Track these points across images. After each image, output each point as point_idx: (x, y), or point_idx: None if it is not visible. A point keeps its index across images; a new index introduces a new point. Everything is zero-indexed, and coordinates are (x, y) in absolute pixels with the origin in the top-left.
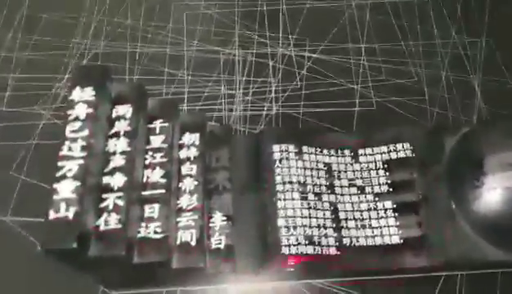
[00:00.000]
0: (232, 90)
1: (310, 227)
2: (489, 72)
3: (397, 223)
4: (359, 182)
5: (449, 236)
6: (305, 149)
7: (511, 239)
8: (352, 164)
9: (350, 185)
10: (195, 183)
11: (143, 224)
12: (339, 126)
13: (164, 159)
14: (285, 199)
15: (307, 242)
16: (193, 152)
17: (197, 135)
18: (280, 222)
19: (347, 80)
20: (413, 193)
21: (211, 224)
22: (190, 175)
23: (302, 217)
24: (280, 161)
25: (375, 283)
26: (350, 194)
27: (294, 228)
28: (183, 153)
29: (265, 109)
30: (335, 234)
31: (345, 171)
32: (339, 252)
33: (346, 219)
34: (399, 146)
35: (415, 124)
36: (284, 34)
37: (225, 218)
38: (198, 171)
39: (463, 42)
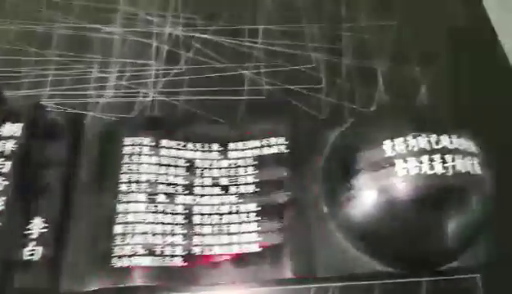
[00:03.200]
0: (106, 73)
1: (153, 234)
2: (393, 59)
3: (259, 228)
4: (224, 181)
5: (317, 244)
6: (164, 142)
7: (383, 248)
8: (218, 160)
9: (213, 185)
10: (6, 182)
11: None
12: (221, 117)
13: None
14: (127, 202)
15: (146, 253)
16: (10, 145)
17: (20, 125)
18: (117, 229)
19: (238, 65)
20: (279, 194)
21: (27, 232)
22: (0, 173)
23: (144, 223)
24: (130, 156)
25: None
26: (211, 195)
27: (132, 236)
28: None
29: (140, 95)
30: (185, 242)
31: (210, 169)
32: (185, 263)
33: (201, 224)
34: (273, 140)
35: (302, 115)
36: (173, 12)
37: (46, 224)
38: (12, 168)
39: (369, 25)
